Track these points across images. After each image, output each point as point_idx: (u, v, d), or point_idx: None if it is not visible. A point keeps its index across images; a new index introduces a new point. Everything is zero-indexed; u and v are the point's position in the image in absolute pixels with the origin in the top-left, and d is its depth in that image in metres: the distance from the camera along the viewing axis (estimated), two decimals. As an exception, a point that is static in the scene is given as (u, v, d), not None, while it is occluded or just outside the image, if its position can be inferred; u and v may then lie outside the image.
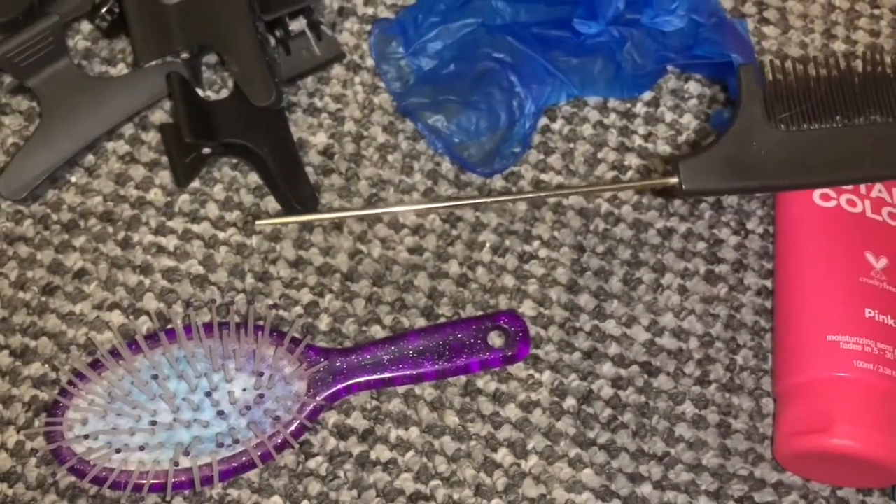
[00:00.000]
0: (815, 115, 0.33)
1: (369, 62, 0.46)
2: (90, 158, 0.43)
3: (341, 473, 0.38)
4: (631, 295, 0.43)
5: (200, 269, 0.41)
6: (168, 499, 0.37)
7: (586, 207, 0.44)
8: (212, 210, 0.42)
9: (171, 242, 0.42)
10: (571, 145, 0.46)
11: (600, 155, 0.45)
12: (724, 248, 0.44)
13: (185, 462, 0.36)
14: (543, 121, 0.46)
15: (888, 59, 0.36)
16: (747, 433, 0.41)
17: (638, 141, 0.46)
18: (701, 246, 0.44)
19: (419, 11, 0.45)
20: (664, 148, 0.46)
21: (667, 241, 0.44)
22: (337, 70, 0.46)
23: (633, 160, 0.46)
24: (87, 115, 0.41)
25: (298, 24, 0.44)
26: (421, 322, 0.42)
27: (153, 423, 0.36)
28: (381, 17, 0.47)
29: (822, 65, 0.36)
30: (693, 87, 0.47)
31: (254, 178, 0.43)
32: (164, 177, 0.43)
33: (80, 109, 0.41)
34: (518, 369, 0.41)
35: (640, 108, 0.47)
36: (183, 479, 0.36)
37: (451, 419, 0.40)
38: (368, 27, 0.47)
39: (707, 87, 0.47)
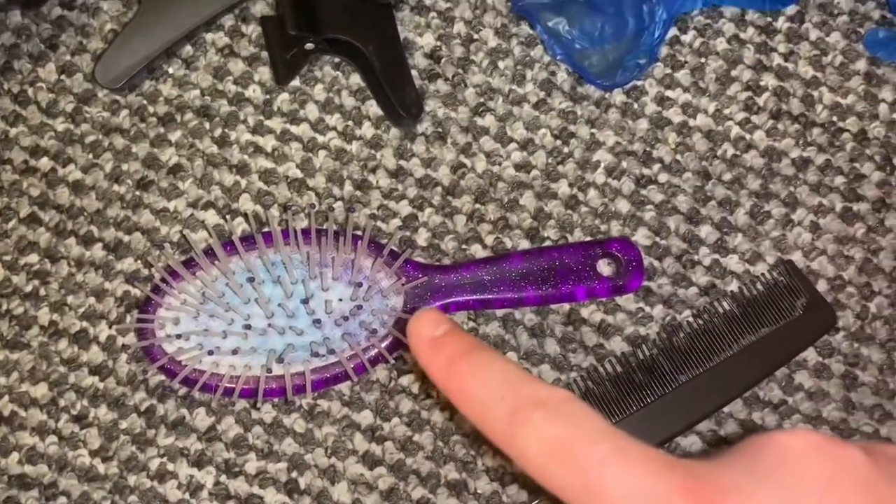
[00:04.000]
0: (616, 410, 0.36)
1: (484, -41, 0.42)
2: (188, 49, 0.40)
3: (434, 394, 0.37)
4: (757, 229, 0.39)
5: (298, 173, 0.39)
6: (258, 406, 0.36)
7: (715, 130, 0.40)
8: (311, 111, 0.40)
9: (268, 143, 0.40)
10: (702, 60, 0.41)
11: (734, 73, 0.41)
12: (865, 185, 0.40)
13: (277, 369, 0.35)
14: (673, 31, 0.41)
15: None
16: (875, 388, 0.38)
17: (777, 60, 0.41)
18: (839, 181, 0.40)
19: None
20: (806, 69, 0.41)
21: (801, 173, 0.40)
22: (449, -34, 0.42)
23: (770, 81, 0.41)
24: (187, 2, 0.39)
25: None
26: (524, 244, 0.39)
27: (247, 327, 0.35)
28: None
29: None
30: (844, 1, 0.42)
31: (356, 79, 0.40)
32: (264, 73, 0.40)
33: (181, -4, 0.39)
34: (627, 301, 0.38)
35: (781, 24, 0.42)
36: (274, 386, 0.35)
37: (552, 348, 0.38)
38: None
39: (860, 3, 0.42)
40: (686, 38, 0.41)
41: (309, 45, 0.39)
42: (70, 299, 0.38)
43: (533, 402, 0.21)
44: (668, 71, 0.41)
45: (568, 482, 0.20)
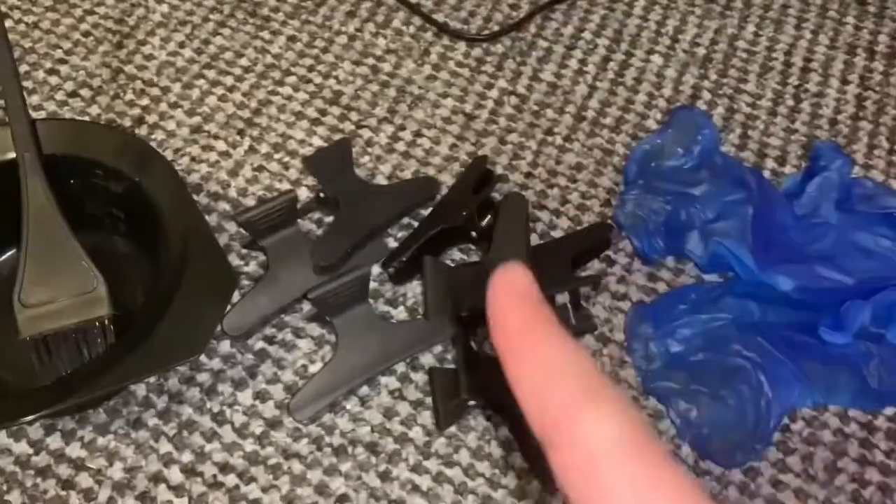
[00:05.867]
0: None
1: (618, 336, 0.50)
2: (364, 389, 0.47)
3: None
4: None
5: (449, 515, 0.44)
6: None
7: None
8: (464, 457, 0.46)
9: (425, 483, 0.45)
10: (811, 449, 0.46)
11: (840, 464, 0.46)
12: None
13: None
14: (783, 419, 0.47)
15: None
16: None
17: (879, 457, 0.46)
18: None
19: (672, 299, 0.49)
20: (908, 470, 0.46)
21: (910, 570, 0.43)
22: (588, 340, 0.50)
23: (874, 476, 0.46)
24: (375, 352, 0.47)
25: (562, 298, 0.49)
26: None
27: None
28: (631, 294, 0.51)
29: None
30: (937, 408, 0.48)
31: (504, 431, 0.46)
32: (426, 417, 0.47)
33: (369, 347, 0.47)
34: None
35: (882, 422, 0.47)
36: None
37: None
38: (619, 303, 0.51)
39: (952, 411, 0.48)
40: (795, 426, 0.47)
41: (471, 402, 0.46)
42: None
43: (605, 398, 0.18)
44: (780, 455, 0.46)
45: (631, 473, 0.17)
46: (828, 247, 0.49)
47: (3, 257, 0.50)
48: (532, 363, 0.19)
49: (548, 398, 0.18)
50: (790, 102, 0.61)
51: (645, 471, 0.17)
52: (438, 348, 0.49)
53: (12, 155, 0.45)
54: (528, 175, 0.56)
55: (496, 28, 0.63)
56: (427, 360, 0.49)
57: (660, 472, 0.16)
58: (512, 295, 0.20)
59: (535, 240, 0.53)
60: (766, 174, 0.57)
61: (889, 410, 0.48)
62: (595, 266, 0.53)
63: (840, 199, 0.51)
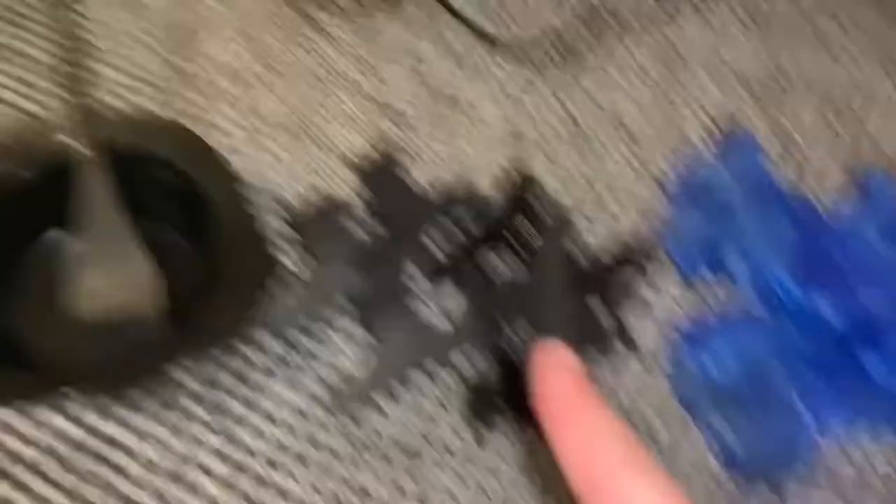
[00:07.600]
0: None
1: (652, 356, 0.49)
2: (398, 388, 0.48)
3: None
4: None
5: None
6: None
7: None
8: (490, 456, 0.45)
9: (450, 479, 0.45)
10: (844, 470, 0.45)
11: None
12: None
13: None
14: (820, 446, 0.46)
15: None
16: None
17: (917, 489, 0.45)
18: None
19: (712, 322, 0.49)
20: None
21: None
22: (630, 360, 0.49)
23: (910, 507, 0.44)
24: (410, 351, 0.47)
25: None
26: None
27: None
28: (670, 316, 0.51)
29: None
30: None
31: (531, 433, 0.46)
32: (456, 417, 0.47)
33: (405, 346, 0.47)
34: None
35: (921, 455, 0.46)
36: None
37: None
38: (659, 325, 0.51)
39: None
40: (830, 452, 0.46)
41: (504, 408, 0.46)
42: None
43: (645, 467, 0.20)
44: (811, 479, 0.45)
45: None
46: (873, 273, 0.48)
47: (48, 236, 0.51)
48: (576, 429, 0.20)
49: (591, 462, 0.20)
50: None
51: None
52: (473, 352, 0.49)
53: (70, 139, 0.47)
54: (566, 181, 0.56)
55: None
56: (459, 361, 0.49)
57: None
58: (557, 368, 0.21)
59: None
60: (811, 197, 0.56)
61: (930, 444, 0.46)
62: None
63: (886, 224, 0.50)
